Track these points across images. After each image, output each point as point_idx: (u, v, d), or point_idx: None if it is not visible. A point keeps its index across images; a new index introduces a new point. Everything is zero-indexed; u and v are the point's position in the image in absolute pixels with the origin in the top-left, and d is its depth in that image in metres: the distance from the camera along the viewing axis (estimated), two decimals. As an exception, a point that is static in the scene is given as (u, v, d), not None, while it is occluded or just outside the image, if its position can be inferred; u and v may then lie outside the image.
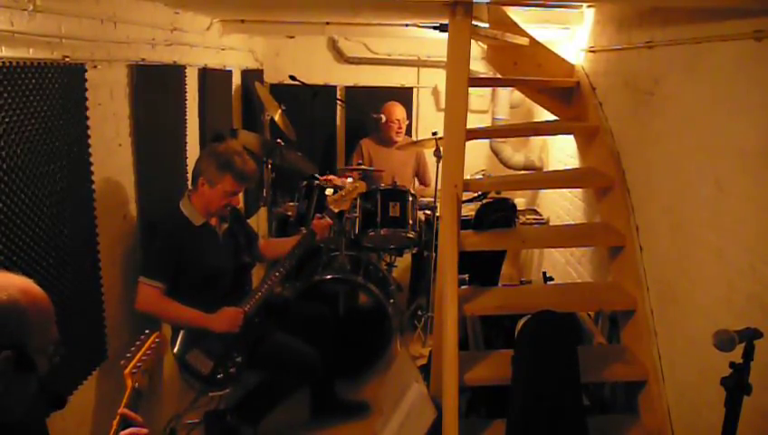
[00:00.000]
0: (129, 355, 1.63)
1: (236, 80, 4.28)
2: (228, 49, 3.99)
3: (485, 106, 4.81)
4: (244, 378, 2.69)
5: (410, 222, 3.66)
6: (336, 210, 3.08)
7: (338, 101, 4.89)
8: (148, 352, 1.66)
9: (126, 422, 1.45)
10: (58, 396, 1.42)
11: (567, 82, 3.42)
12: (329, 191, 3.52)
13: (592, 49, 3.31)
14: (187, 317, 2.57)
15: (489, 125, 4.56)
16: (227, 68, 4.00)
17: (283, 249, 2.93)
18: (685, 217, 2.35)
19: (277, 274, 2.78)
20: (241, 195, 2.72)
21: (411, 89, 4.95)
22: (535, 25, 3.41)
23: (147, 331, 1.70)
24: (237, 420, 2.74)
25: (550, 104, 3.56)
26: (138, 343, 1.67)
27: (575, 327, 3.04)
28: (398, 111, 4.32)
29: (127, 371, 1.59)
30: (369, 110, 4.35)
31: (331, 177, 3.93)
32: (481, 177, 4.40)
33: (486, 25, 2.90)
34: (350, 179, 3.70)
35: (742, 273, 1.99)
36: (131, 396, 1.55)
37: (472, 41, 2.51)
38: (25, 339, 1.09)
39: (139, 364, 1.61)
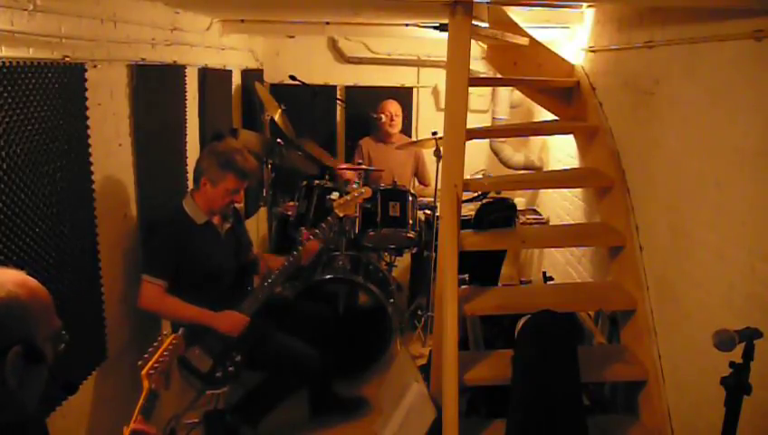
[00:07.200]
0: (146, 356, 1.61)
1: (236, 80, 4.28)
2: (228, 49, 3.99)
3: (485, 106, 4.81)
4: (243, 378, 2.69)
5: (410, 222, 3.66)
6: (341, 214, 3.07)
7: (338, 101, 4.89)
8: (165, 353, 1.63)
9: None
10: (68, 382, 1.42)
11: (567, 81, 3.42)
12: (334, 195, 3.51)
13: (592, 49, 3.31)
14: (190, 314, 2.56)
15: (489, 125, 4.56)
16: (227, 68, 4.00)
17: (270, 267, 2.92)
18: (685, 217, 2.35)
19: (270, 280, 2.77)
20: (241, 194, 2.72)
21: (411, 89, 4.95)
22: (535, 25, 3.41)
23: (164, 332, 1.68)
24: (237, 420, 2.74)
25: (550, 104, 3.56)
26: (155, 344, 1.65)
27: (575, 327, 3.04)
28: (392, 106, 4.35)
29: (144, 371, 1.57)
30: (369, 109, 4.35)
31: (345, 165, 4.06)
32: (481, 177, 4.40)
33: (486, 25, 2.89)
34: (356, 184, 3.71)
35: (742, 273, 1.99)
36: (148, 397, 1.53)
37: (472, 41, 2.51)
38: (31, 331, 1.09)
39: (156, 365, 1.59)
